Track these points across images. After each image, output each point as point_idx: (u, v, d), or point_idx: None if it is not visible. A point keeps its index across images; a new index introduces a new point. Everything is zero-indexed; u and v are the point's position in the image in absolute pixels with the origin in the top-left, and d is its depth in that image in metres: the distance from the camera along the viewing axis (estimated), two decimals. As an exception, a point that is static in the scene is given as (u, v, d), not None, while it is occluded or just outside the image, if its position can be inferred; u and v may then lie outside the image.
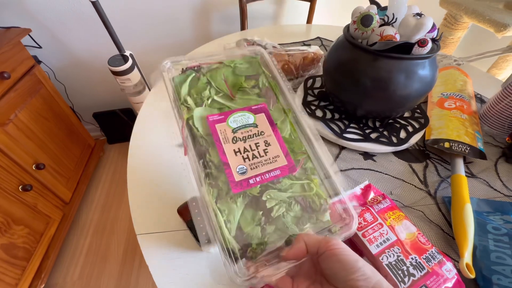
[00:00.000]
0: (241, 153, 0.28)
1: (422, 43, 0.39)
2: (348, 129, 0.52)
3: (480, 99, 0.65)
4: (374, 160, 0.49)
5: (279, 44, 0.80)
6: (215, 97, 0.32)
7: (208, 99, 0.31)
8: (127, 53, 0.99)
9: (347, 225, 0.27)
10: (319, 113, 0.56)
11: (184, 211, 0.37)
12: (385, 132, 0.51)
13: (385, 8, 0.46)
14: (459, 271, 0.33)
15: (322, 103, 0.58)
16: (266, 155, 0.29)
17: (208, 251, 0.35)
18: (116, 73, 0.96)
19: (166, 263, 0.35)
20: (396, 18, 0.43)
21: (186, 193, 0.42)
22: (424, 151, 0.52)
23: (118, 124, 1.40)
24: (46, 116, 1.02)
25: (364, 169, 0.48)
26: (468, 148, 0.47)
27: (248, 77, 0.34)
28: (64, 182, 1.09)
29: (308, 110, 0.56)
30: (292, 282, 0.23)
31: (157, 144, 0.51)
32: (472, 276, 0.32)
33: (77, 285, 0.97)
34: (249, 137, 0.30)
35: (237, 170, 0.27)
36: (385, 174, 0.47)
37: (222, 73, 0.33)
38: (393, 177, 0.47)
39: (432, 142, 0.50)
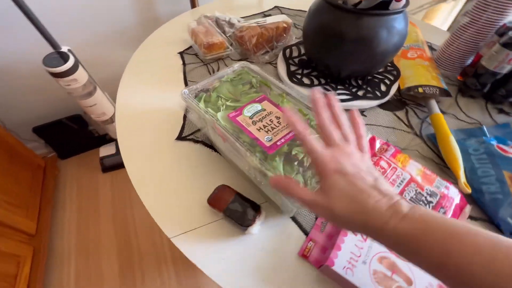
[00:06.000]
0: (263, 129, 0.36)
1: (399, -3, 0.42)
2: (337, 91, 0.55)
3: (430, 47, 0.73)
4: (365, 115, 0.54)
5: (241, 18, 0.77)
6: (227, 103, 0.40)
7: (222, 106, 0.40)
8: (64, 49, 0.84)
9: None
10: (306, 81, 0.57)
11: (216, 201, 0.36)
12: (368, 88, 0.56)
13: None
14: (459, 190, 0.39)
15: (305, 71, 0.59)
16: (280, 124, 0.37)
17: (251, 233, 0.35)
18: (57, 75, 0.81)
19: (213, 256, 0.34)
20: (371, -24, 0.44)
21: (207, 185, 0.40)
22: (401, 100, 0.58)
23: (67, 134, 1.22)
24: (-26, 142, 0.83)
25: (359, 125, 0.52)
26: (438, 90, 0.54)
27: (244, 83, 0.44)
28: (22, 213, 0.93)
29: (295, 79, 0.57)
30: None
31: (152, 139, 0.47)
32: (470, 191, 0.39)
33: (74, 316, 0.88)
34: (263, 117, 0.38)
35: (265, 140, 0.35)
36: (378, 125, 0.52)
37: (224, 88, 0.43)
38: (384, 127, 0.52)
39: (407, 90, 0.56)
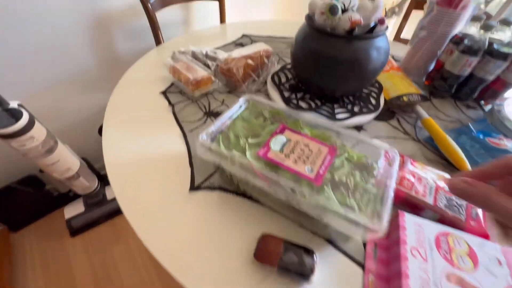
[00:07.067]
0: (299, 160, 0.34)
1: (382, 21, 0.46)
2: (336, 111, 0.56)
3: (392, 58, 0.82)
4: (365, 130, 0.56)
5: (215, 49, 0.76)
6: (249, 140, 0.38)
7: (245, 145, 0.37)
8: (13, 104, 0.72)
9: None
10: (304, 105, 0.57)
11: (264, 255, 0.32)
12: (361, 103, 0.59)
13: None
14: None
15: (299, 95, 0.60)
16: (313, 152, 0.36)
17: (311, 282, 0.32)
18: (8, 136, 0.68)
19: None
20: (354, 4, 0.48)
21: (243, 237, 0.36)
22: (389, 110, 0.62)
23: (19, 201, 1.03)
24: None
25: (364, 139, 0.54)
26: (419, 96, 0.59)
27: (256, 117, 0.43)
28: (-28, 315, 0.73)
29: (292, 105, 0.57)
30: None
31: (161, 194, 0.41)
32: (484, 186, 0.42)
33: None
34: (293, 148, 0.36)
35: (307, 171, 0.33)
36: (379, 137, 0.54)
37: (239, 125, 0.41)
38: (386, 137, 0.54)
39: (394, 100, 0.61)
